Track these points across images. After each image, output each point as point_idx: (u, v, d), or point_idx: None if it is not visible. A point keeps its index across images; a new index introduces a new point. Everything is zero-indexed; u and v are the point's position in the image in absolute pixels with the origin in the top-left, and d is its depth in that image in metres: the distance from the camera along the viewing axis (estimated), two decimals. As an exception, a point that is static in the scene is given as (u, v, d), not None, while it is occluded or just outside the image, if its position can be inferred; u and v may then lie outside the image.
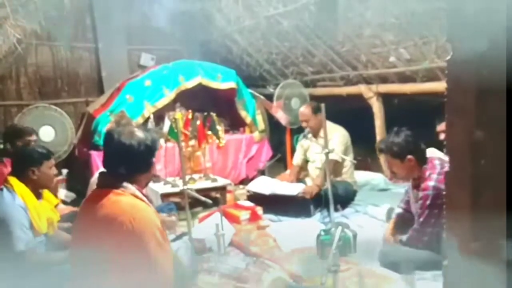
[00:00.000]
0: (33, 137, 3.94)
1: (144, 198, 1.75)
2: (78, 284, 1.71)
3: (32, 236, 2.50)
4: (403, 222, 3.08)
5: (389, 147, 2.83)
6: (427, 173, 2.77)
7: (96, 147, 4.82)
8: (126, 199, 1.68)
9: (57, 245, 2.70)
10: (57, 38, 6.06)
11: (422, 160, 2.83)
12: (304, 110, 4.47)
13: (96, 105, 5.36)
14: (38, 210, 2.60)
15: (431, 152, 2.91)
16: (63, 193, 4.78)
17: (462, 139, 1.19)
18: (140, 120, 5.04)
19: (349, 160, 4.14)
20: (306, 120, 4.42)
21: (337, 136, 4.28)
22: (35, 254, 2.49)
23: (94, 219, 1.66)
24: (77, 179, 5.18)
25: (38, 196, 2.68)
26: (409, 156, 2.79)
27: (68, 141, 5.38)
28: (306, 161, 4.68)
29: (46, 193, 2.86)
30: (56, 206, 2.98)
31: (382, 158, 4.84)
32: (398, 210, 3.17)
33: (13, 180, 2.61)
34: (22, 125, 4.25)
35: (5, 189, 2.56)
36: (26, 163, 2.65)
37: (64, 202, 4.14)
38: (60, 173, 5.27)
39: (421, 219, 2.74)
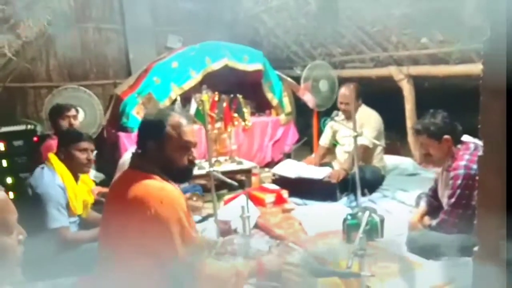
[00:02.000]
0: (72, 112, 3.98)
1: (170, 181, 1.76)
2: (106, 264, 1.73)
3: (67, 216, 2.55)
4: (430, 209, 3.03)
5: (426, 127, 2.78)
6: (460, 153, 2.73)
7: (124, 129, 4.87)
8: (155, 182, 1.69)
9: (90, 226, 2.75)
10: (85, 20, 6.13)
11: (458, 141, 2.78)
12: (346, 91, 4.25)
13: (124, 87, 5.41)
14: (76, 191, 2.65)
15: (466, 138, 2.84)
16: (92, 174, 4.87)
17: (497, 122, 1.13)
18: (167, 102, 5.06)
19: (379, 145, 4.06)
20: (347, 102, 4.17)
21: (370, 121, 4.18)
22: (68, 232, 2.55)
23: (123, 200, 1.67)
24: (105, 160, 5.26)
25: (76, 179, 2.73)
26: (446, 136, 2.74)
27: (97, 122, 5.46)
28: (333, 144, 4.62)
29: (82, 175, 2.91)
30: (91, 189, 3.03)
31: (415, 141, 4.74)
32: (426, 198, 3.11)
33: (53, 159, 2.66)
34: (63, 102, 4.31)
35: (46, 168, 2.61)
36: (68, 140, 2.72)
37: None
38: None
39: (452, 200, 2.68)
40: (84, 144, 2.73)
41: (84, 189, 2.81)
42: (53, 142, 3.46)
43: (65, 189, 2.57)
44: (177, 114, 1.82)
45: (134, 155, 1.81)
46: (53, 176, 2.58)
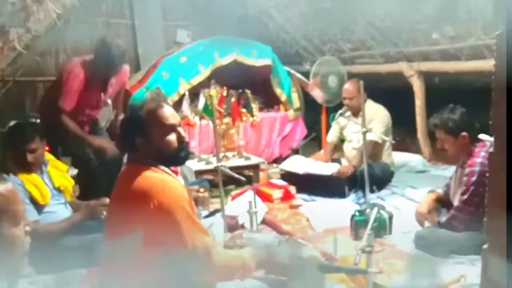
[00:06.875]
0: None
1: (171, 173, 1.79)
2: (113, 257, 1.74)
3: (33, 210, 2.48)
4: (440, 203, 2.99)
5: (444, 122, 2.75)
6: (476, 150, 2.70)
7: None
8: (156, 174, 1.71)
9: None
10: (94, 14, 6.14)
11: (475, 139, 2.73)
12: (349, 87, 4.23)
13: (132, 82, 5.41)
14: (35, 181, 2.58)
15: (483, 136, 2.81)
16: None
17: (509, 119, 1.11)
18: (175, 97, 5.06)
19: (388, 141, 4.03)
20: (350, 97, 4.17)
21: (378, 116, 4.15)
22: (38, 225, 2.45)
23: (126, 195, 1.71)
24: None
25: (29, 170, 2.61)
26: (463, 133, 2.72)
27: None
28: (341, 140, 4.59)
29: (53, 161, 2.86)
30: (67, 171, 2.97)
31: (425, 138, 4.71)
32: (438, 191, 3.07)
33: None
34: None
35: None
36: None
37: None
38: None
39: (465, 197, 2.65)
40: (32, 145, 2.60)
41: (58, 174, 2.78)
42: None
43: (22, 184, 2.50)
44: (149, 102, 1.83)
45: (129, 151, 1.82)
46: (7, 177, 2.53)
